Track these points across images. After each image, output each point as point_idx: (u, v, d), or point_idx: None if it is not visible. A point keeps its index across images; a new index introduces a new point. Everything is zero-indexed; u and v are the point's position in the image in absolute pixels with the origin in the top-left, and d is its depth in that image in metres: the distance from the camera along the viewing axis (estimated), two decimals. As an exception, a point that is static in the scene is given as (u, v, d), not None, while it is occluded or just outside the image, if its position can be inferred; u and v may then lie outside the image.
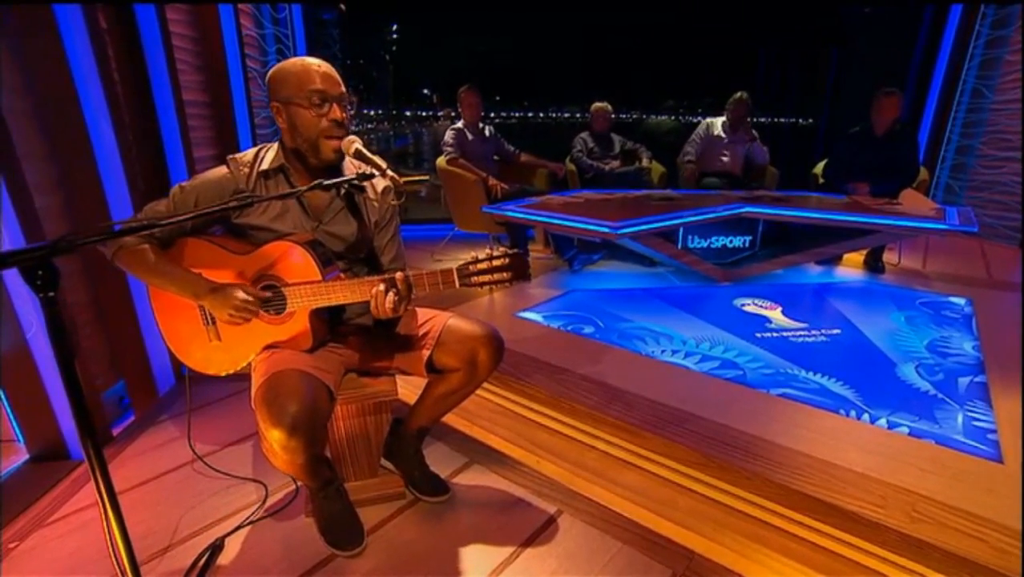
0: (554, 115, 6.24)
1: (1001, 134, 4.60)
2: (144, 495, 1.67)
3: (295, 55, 2.66)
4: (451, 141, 3.66)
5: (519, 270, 1.22)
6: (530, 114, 6.26)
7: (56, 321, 0.89)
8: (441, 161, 3.70)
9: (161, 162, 2.33)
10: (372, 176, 1.29)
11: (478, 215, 3.41)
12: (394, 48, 5.54)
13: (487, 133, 3.85)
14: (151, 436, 1.97)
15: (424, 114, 5.94)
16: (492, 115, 6.00)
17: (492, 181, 3.57)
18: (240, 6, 3.32)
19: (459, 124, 3.74)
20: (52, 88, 1.79)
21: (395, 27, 5.44)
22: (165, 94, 2.34)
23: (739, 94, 4.07)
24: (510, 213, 3.10)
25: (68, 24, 1.81)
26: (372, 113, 5.96)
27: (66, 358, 0.94)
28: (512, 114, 6.24)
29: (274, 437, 1.15)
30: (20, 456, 1.83)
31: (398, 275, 1.24)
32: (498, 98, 6.10)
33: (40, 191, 1.75)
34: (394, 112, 5.94)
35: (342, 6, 4.73)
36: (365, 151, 1.27)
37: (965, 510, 1.44)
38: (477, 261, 1.21)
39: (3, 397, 1.77)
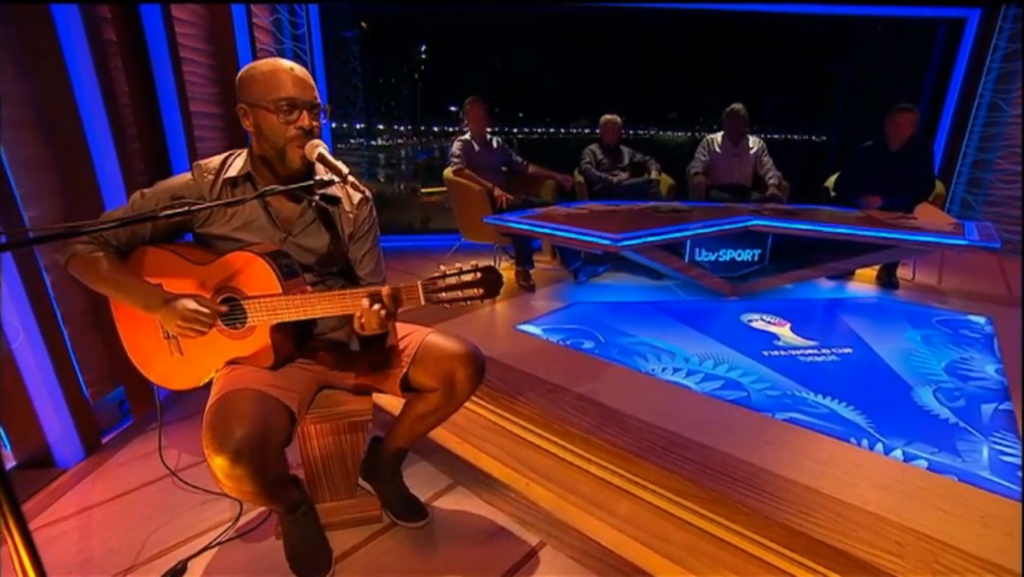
0: (575, 131, 6.09)
1: (1019, 148, 4.27)
2: (118, 509, 1.54)
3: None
4: (458, 152, 3.51)
5: (491, 286, 1.04)
6: (551, 129, 6.11)
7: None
8: (448, 172, 3.55)
9: (166, 173, 2.22)
10: (331, 183, 1.13)
11: (483, 226, 3.24)
12: (422, 67, 5.46)
13: (494, 144, 3.69)
14: (137, 446, 1.85)
15: (449, 129, 5.89)
16: (515, 131, 5.89)
17: (498, 192, 3.39)
18: (257, 21, 3.23)
19: (466, 136, 3.59)
20: (51, 96, 1.69)
21: (423, 47, 5.36)
22: (172, 105, 2.24)
23: (731, 107, 3.79)
24: (512, 224, 2.92)
25: (68, 35, 1.71)
26: (400, 129, 5.95)
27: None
28: (535, 129, 6.10)
29: (217, 464, 0.99)
30: (7, 463, 1.73)
31: (384, 289, 1.08)
32: (521, 114, 5.96)
33: (37, 198, 1.65)
34: (422, 128, 5.91)
35: (363, 23, 4.64)
36: (328, 156, 1.11)
37: (998, 564, 1.20)
38: (445, 276, 1.04)
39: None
